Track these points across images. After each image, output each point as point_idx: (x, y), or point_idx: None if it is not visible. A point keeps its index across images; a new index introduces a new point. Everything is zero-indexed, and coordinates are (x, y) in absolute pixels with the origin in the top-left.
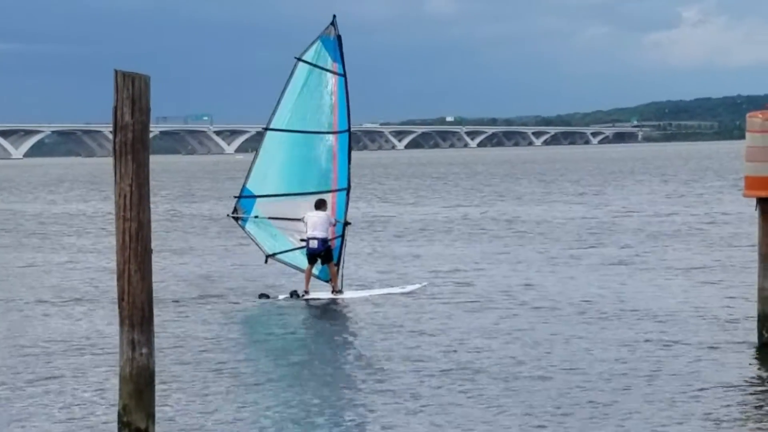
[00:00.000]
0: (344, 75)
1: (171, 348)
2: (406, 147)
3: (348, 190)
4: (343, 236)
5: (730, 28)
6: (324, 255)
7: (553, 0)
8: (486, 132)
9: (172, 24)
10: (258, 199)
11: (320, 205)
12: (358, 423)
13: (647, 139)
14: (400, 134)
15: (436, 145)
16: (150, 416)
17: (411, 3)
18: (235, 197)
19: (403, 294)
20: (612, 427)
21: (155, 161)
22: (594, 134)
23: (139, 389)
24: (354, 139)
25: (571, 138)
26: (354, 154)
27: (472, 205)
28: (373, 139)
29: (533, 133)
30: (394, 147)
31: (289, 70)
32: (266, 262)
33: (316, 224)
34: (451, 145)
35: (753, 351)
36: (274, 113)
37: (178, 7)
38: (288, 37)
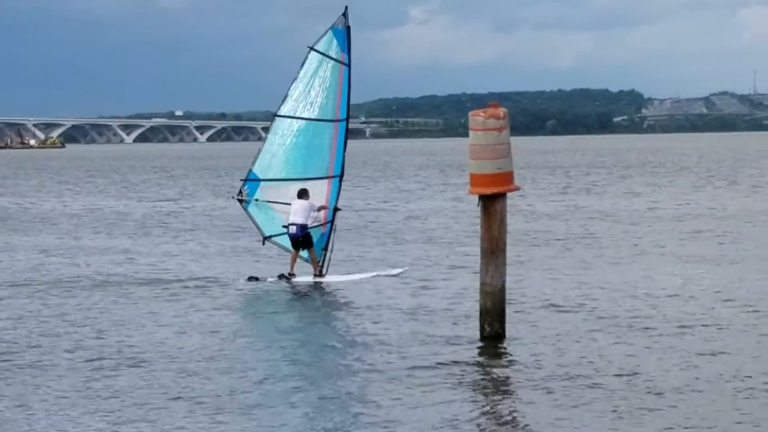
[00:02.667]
0: (349, 65)
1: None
2: (135, 141)
3: (341, 176)
4: (333, 221)
5: (454, 27)
6: (303, 240)
7: None
8: (215, 127)
9: None
10: (262, 183)
11: (302, 194)
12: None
13: (375, 135)
14: (128, 128)
15: (165, 139)
16: None
17: None
18: (241, 180)
19: (386, 276)
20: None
21: None
22: None
23: None
24: (82, 133)
25: None
26: (81, 147)
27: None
28: (101, 132)
29: (262, 128)
30: (122, 141)
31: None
32: (263, 243)
33: (297, 211)
34: (180, 140)
35: (475, 345)
36: (283, 100)
37: None
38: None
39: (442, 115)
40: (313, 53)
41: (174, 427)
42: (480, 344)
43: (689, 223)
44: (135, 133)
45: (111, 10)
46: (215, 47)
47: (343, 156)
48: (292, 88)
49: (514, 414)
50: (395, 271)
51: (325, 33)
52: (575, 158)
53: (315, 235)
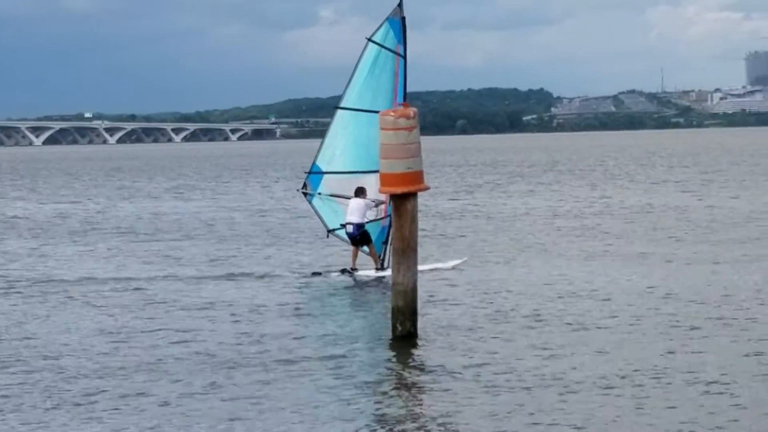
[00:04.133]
0: (405, 57)
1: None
2: (44, 143)
3: None
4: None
5: (365, 28)
6: (360, 238)
7: None
8: (125, 128)
9: None
10: (325, 176)
11: (358, 192)
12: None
13: (285, 135)
14: (37, 130)
15: (75, 141)
16: None
17: None
18: (305, 173)
19: (446, 269)
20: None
21: None
22: (233, 131)
23: None
24: None
25: (210, 135)
26: None
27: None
28: (9, 134)
29: (173, 130)
30: (31, 143)
31: None
32: (327, 236)
33: (353, 210)
34: (90, 141)
35: (387, 345)
36: (344, 92)
37: None
38: None
39: None
40: (370, 45)
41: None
42: (390, 344)
43: (586, 220)
44: (44, 136)
45: (16, 10)
46: (122, 48)
47: None
48: (352, 81)
49: (424, 413)
50: (453, 263)
51: (382, 24)
52: (479, 157)
53: (375, 229)
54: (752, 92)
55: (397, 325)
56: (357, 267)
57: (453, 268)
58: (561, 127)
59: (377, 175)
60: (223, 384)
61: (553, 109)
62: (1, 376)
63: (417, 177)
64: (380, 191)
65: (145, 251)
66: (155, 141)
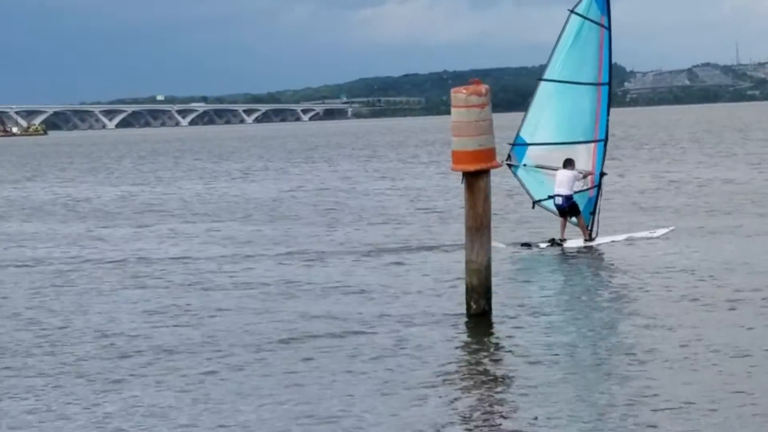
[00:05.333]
0: (609, 28)
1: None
2: (117, 126)
3: (606, 141)
4: (599, 186)
5: (434, 5)
6: (569, 210)
7: None
8: (197, 110)
9: None
10: (529, 147)
11: (567, 163)
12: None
13: (357, 115)
14: (110, 113)
15: (147, 124)
16: None
17: None
18: (509, 144)
19: (652, 238)
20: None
21: None
22: (304, 111)
23: None
24: (63, 119)
25: (282, 115)
26: (63, 134)
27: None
28: (83, 118)
29: (244, 111)
30: (104, 126)
31: None
32: (533, 207)
33: (562, 182)
34: (162, 124)
35: (463, 322)
36: (547, 64)
37: None
38: None
39: (424, 93)
40: (573, 16)
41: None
42: (466, 322)
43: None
44: (117, 119)
45: None
46: (193, 31)
47: (607, 120)
48: (555, 52)
49: (491, 395)
50: (661, 232)
51: None
52: None
53: (582, 200)
54: None
55: (472, 303)
56: (566, 237)
57: (660, 237)
58: (635, 102)
59: (584, 146)
60: (284, 360)
61: (626, 83)
62: (58, 355)
63: (489, 154)
64: (452, 169)
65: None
66: (227, 122)
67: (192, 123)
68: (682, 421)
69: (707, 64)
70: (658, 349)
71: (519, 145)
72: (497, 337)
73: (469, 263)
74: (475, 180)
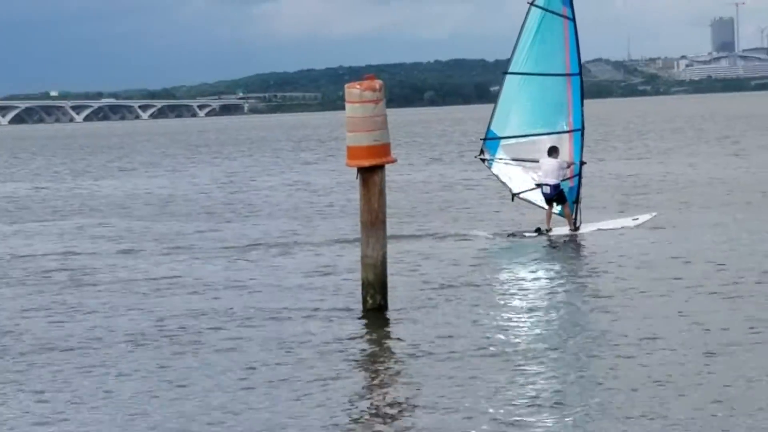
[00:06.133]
0: (573, 19)
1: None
2: (10, 122)
3: (582, 130)
4: (580, 175)
5: (331, 0)
6: (557, 198)
7: None
8: (92, 106)
9: None
10: (501, 141)
11: (552, 152)
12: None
13: (253, 110)
14: (2, 110)
15: (41, 120)
16: None
17: None
18: (481, 139)
19: (635, 225)
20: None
21: None
22: (200, 107)
23: None
24: None
25: (177, 111)
26: None
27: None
28: None
29: (140, 107)
30: None
31: None
32: (513, 200)
33: (548, 171)
34: (57, 120)
35: (359, 317)
36: (511, 57)
37: None
38: None
39: (320, 88)
40: (534, 9)
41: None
42: (362, 317)
43: None
44: (10, 115)
45: None
46: (87, 24)
47: (582, 110)
48: (518, 46)
49: (396, 386)
50: (643, 219)
51: None
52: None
53: (564, 190)
54: (718, 59)
55: (367, 298)
56: (551, 227)
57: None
58: None
59: (553, 137)
60: (167, 356)
61: None
62: None
63: (384, 149)
64: (347, 164)
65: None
66: (122, 118)
67: (87, 119)
68: (556, 417)
69: (599, 60)
70: (551, 341)
71: (491, 139)
72: (393, 332)
73: (365, 258)
74: (370, 175)
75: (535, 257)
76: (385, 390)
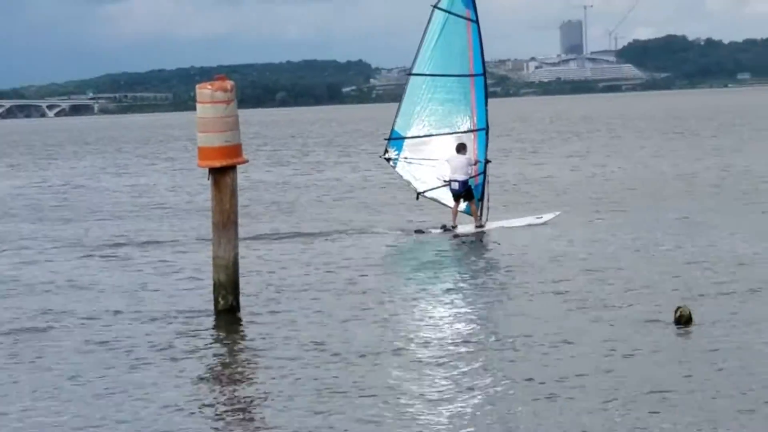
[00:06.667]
0: (477, 21)
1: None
2: None
3: (487, 129)
4: (485, 173)
5: (181, 0)
6: (465, 194)
7: None
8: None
9: None
10: (406, 140)
11: (460, 149)
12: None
13: (104, 111)
14: None
15: None
16: None
17: None
18: (385, 139)
19: (539, 223)
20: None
21: None
22: (50, 107)
23: None
24: None
25: (26, 111)
26: None
27: None
28: None
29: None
30: None
31: None
32: (417, 199)
33: (457, 168)
34: None
35: (211, 318)
36: (415, 59)
37: None
38: None
39: (171, 89)
40: (437, 11)
41: None
42: (214, 318)
43: None
44: None
45: None
46: None
47: (486, 110)
48: (421, 47)
49: (246, 387)
50: (547, 217)
51: None
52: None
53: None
54: (566, 61)
55: (219, 299)
56: (457, 224)
57: (545, 222)
58: (381, 98)
59: (457, 136)
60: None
61: (372, 80)
62: None
63: (236, 150)
64: (198, 165)
65: None
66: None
67: None
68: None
69: None
70: (393, 343)
71: (395, 139)
72: (243, 333)
73: (216, 259)
74: (222, 176)
75: (439, 253)
76: (230, 391)
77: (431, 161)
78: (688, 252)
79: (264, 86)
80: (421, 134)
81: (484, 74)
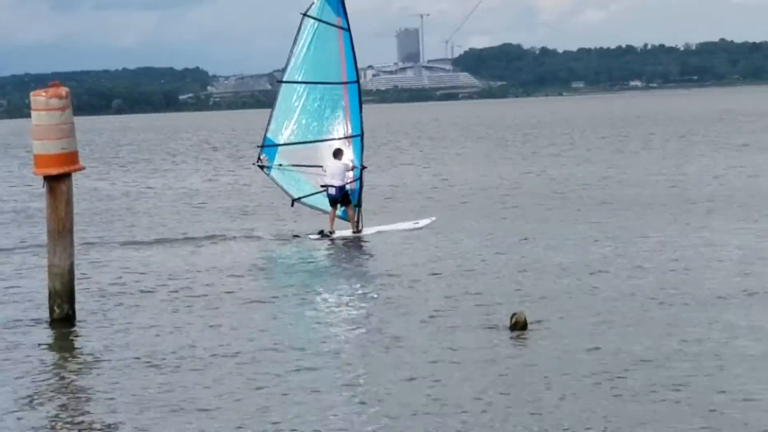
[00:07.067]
0: (348, 29)
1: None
2: None
3: (362, 136)
4: (360, 179)
5: (15, 7)
6: (342, 199)
7: None
8: None
9: None
10: (279, 148)
11: (337, 154)
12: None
13: None
14: None
15: None
16: None
17: None
18: (258, 147)
19: (416, 229)
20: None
21: None
22: None
23: None
24: None
25: None
26: None
27: None
28: None
29: None
30: None
31: None
32: (293, 205)
33: (334, 173)
34: None
35: (46, 327)
36: (286, 66)
37: None
38: None
39: (6, 96)
40: (306, 19)
41: None
42: (49, 327)
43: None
44: None
45: None
46: None
47: (360, 116)
48: (293, 55)
49: (71, 397)
50: (423, 222)
51: None
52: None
53: None
54: (404, 69)
55: (55, 307)
56: (334, 229)
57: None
58: (218, 106)
59: (331, 143)
60: None
61: (209, 87)
62: None
63: (72, 157)
64: (34, 173)
65: None
66: None
67: None
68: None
69: (278, 71)
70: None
71: (268, 146)
72: (80, 342)
73: (52, 267)
74: (57, 184)
75: (314, 259)
76: (58, 401)
77: (306, 168)
78: (527, 258)
79: (100, 93)
80: (295, 141)
81: (357, 81)
